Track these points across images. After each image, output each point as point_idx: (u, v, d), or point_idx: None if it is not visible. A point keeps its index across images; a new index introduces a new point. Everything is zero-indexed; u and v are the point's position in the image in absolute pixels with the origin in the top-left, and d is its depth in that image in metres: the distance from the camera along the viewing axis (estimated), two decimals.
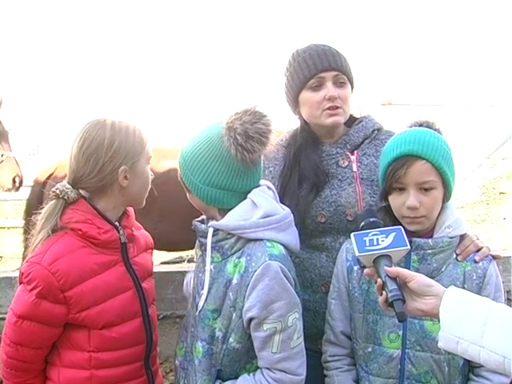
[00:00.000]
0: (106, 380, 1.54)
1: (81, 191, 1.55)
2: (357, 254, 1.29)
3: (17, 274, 1.63)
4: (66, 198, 1.52)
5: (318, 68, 1.74)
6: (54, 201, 1.53)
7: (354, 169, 1.78)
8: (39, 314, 1.46)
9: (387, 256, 1.28)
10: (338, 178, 1.78)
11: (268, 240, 1.45)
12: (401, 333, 1.48)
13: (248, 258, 1.43)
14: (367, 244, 1.29)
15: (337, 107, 1.73)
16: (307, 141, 1.81)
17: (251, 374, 1.49)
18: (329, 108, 1.73)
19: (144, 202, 1.64)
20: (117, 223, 1.57)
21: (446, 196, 1.51)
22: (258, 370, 1.49)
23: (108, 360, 1.52)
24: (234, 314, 1.44)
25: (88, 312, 1.49)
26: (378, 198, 1.66)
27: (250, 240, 1.45)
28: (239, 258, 1.45)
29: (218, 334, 1.45)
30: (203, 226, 1.51)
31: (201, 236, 1.51)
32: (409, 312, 1.25)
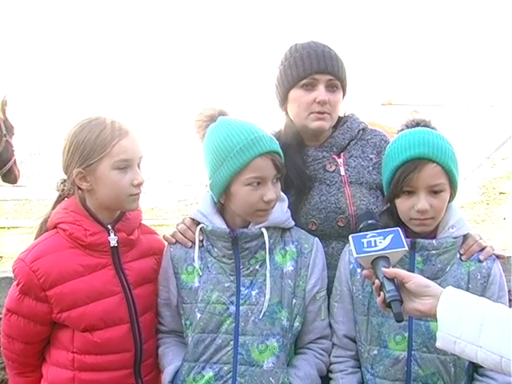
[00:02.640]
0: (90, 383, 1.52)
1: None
2: (355, 255, 1.30)
3: None
4: (57, 189, 1.55)
5: (313, 69, 1.70)
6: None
7: (342, 173, 1.75)
8: (23, 309, 1.48)
9: (385, 257, 1.29)
10: (327, 183, 1.75)
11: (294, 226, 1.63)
12: (406, 335, 1.47)
13: (296, 243, 1.57)
14: (365, 245, 1.30)
15: (324, 112, 1.71)
16: (291, 142, 1.77)
17: (304, 356, 1.57)
18: (317, 112, 1.71)
19: (126, 206, 1.54)
20: (109, 226, 1.54)
21: (452, 196, 1.51)
22: (306, 350, 1.58)
23: (91, 364, 1.50)
24: (295, 300, 1.53)
25: (69, 313, 1.48)
26: (383, 202, 1.65)
27: (284, 230, 1.59)
28: (283, 247, 1.56)
29: (286, 323, 1.51)
30: (251, 229, 1.51)
31: (246, 241, 1.51)
32: (406, 312, 1.26)
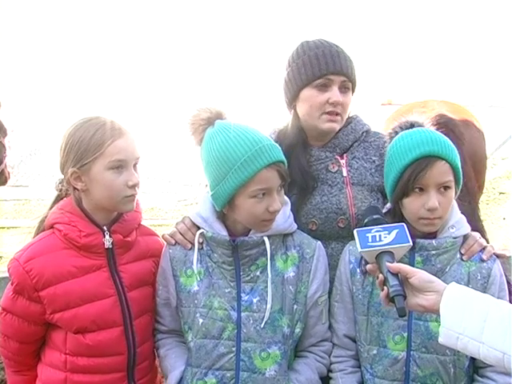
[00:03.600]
0: None
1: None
2: (359, 249, 1.31)
3: None
4: (56, 189, 1.56)
5: (329, 69, 1.70)
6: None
7: (344, 173, 1.77)
8: (17, 308, 1.49)
9: (389, 252, 1.29)
10: (329, 184, 1.76)
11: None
12: (406, 335, 1.48)
13: (298, 248, 1.56)
14: (370, 240, 1.30)
15: (337, 113, 1.72)
16: (297, 142, 1.77)
17: (305, 360, 1.57)
18: (329, 113, 1.71)
19: (121, 207, 1.53)
20: (105, 227, 1.53)
21: (455, 194, 1.53)
22: (307, 354, 1.58)
23: (83, 366, 1.51)
24: (296, 306, 1.52)
25: (61, 315, 1.48)
26: (386, 203, 1.66)
27: (285, 235, 1.57)
28: (285, 252, 1.55)
29: (287, 330, 1.51)
30: (252, 237, 1.50)
31: (247, 249, 1.50)
32: (410, 307, 1.26)
